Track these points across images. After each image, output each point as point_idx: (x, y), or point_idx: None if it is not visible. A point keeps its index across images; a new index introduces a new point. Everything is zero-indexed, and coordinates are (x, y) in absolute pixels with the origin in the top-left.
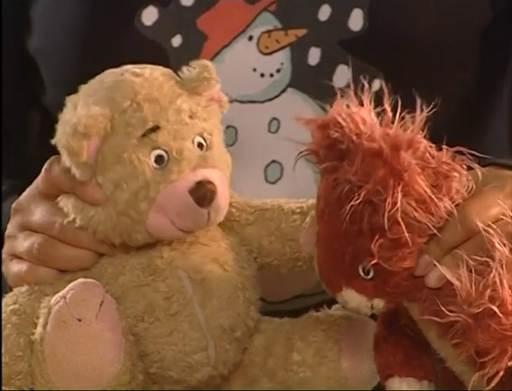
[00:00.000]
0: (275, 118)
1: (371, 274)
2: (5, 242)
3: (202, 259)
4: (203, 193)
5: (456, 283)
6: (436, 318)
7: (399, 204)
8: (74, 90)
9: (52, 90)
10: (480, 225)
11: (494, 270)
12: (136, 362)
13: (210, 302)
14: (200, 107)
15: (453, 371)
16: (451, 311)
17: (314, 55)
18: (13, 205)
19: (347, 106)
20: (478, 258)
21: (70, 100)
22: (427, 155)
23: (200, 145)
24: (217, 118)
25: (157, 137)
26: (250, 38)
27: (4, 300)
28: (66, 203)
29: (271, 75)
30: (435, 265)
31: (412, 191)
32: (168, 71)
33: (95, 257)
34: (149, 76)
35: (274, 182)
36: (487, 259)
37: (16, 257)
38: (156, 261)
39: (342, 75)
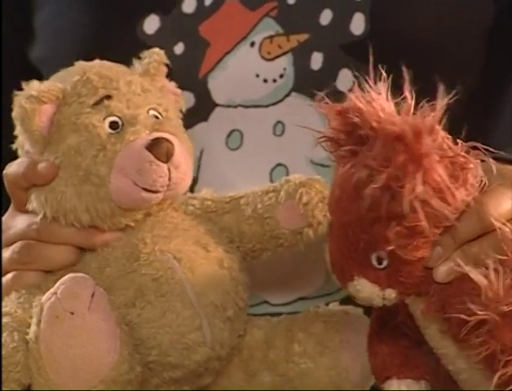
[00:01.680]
0: (279, 121)
1: (384, 263)
2: None
3: (185, 242)
4: (160, 146)
5: (483, 281)
6: (461, 315)
7: (417, 191)
8: None
9: None
10: (497, 224)
11: None
12: (133, 352)
13: (198, 280)
14: (153, 88)
15: (449, 370)
16: (468, 309)
17: (316, 60)
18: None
19: (366, 93)
20: (499, 256)
21: None
22: (445, 145)
23: (155, 117)
24: (173, 107)
25: (110, 105)
26: (252, 44)
27: None
28: (32, 202)
29: (274, 80)
30: (446, 261)
31: (430, 178)
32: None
33: (76, 252)
34: (102, 63)
35: None
36: (506, 257)
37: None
38: (139, 247)
39: (345, 79)
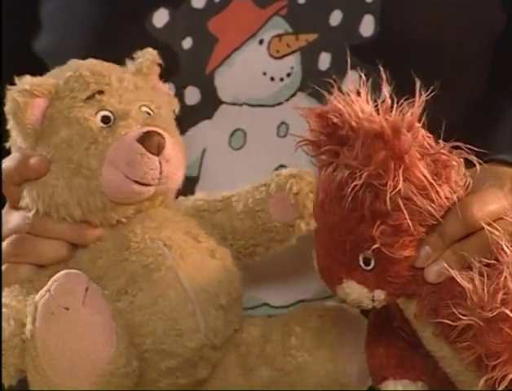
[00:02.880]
0: (283, 122)
1: (372, 264)
2: None
3: (175, 232)
4: (151, 139)
5: (467, 286)
6: (446, 320)
7: (400, 186)
8: None
9: None
10: (486, 226)
11: (505, 273)
12: (129, 346)
13: (190, 267)
14: (146, 86)
15: (447, 372)
16: (461, 314)
17: (324, 60)
18: None
19: (346, 95)
20: (485, 260)
21: None
22: (426, 143)
23: (147, 113)
24: (166, 106)
25: (102, 99)
26: (261, 42)
27: None
28: (24, 198)
29: (281, 79)
30: (437, 261)
31: (412, 176)
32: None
33: (68, 247)
34: (97, 61)
35: None
36: (494, 261)
37: None
38: (129, 237)
39: (353, 80)
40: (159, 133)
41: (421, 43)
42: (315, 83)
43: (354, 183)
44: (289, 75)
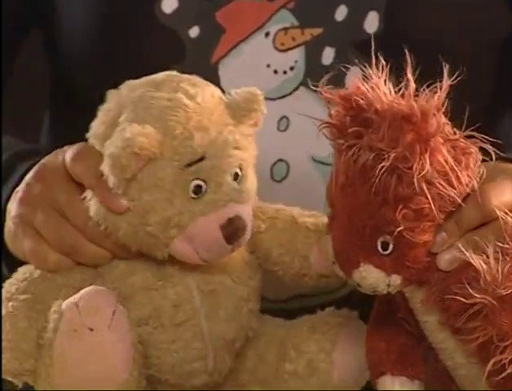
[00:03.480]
0: (284, 116)
1: (390, 248)
2: (14, 200)
3: (212, 269)
4: (233, 231)
5: (481, 266)
6: (458, 299)
7: (426, 170)
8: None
9: (72, 75)
10: (501, 214)
11: None
12: (142, 370)
13: (216, 314)
14: (243, 137)
15: (447, 364)
16: (465, 295)
17: (328, 55)
18: (35, 168)
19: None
20: (500, 244)
21: (114, 97)
22: (446, 129)
23: (236, 175)
24: (253, 143)
25: (200, 167)
26: (267, 35)
27: (13, 283)
28: (92, 201)
29: (285, 72)
30: (449, 248)
31: (435, 160)
32: (217, 92)
33: (111, 257)
34: (201, 99)
35: (280, 181)
36: (507, 246)
37: (32, 229)
38: (167, 266)
39: (355, 76)
40: (241, 219)
41: (424, 42)
42: (317, 77)
43: (381, 165)
44: (292, 68)
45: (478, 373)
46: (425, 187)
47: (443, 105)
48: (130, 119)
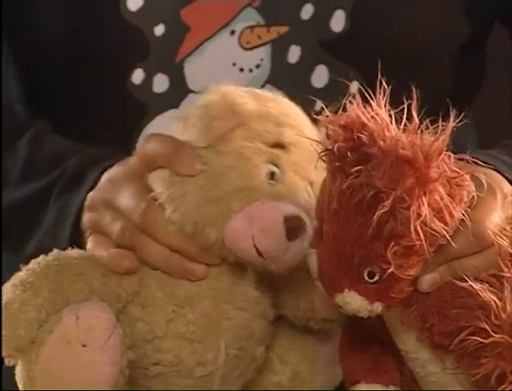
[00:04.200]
0: None
1: (376, 278)
2: (85, 210)
3: (241, 331)
4: (295, 225)
5: (495, 302)
6: (468, 337)
7: (424, 214)
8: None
9: (37, 74)
10: (500, 240)
11: None
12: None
13: (231, 375)
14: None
15: (416, 372)
16: (484, 330)
17: (294, 53)
18: (104, 178)
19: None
20: (498, 272)
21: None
22: (443, 162)
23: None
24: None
25: (282, 155)
26: (232, 33)
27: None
28: (155, 177)
29: (251, 70)
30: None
31: (432, 199)
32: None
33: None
34: (297, 117)
35: None
36: (502, 273)
37: (101, 233)
38: (204, 320)
39: (321, 75)
40: (304, 221)
41: (390, 41)
42: (283, 76)
43: (379, 208)
44: (258, 66)
45: (450, 381)
46: (418, 226)
47: (447, 147)
48: None
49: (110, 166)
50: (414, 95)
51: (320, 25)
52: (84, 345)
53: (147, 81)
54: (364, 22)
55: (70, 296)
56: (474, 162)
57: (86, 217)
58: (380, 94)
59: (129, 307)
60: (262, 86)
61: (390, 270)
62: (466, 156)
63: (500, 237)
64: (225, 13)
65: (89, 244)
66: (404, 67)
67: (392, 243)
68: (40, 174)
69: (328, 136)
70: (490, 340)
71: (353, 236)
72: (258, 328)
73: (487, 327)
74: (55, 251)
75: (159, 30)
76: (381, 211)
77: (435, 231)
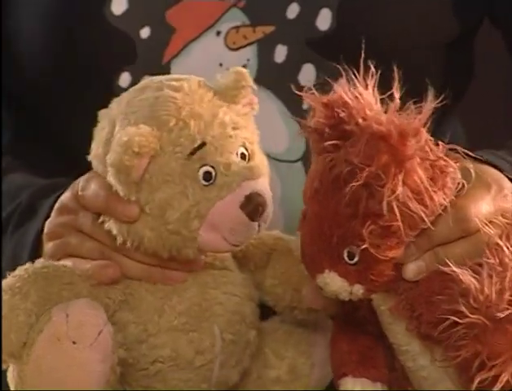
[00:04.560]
0: None
1: (355, 259)
2: (45, 240)
3: (234, 315)
4: (254, 207)
5: (474, 285)
6: (445, 316)
7: (398, 192)
8: (44, 78)
9: (21, 75)
10: (481, 225)
11: (509, 274)
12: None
13: (229, 362)
14: (240, 117)
15: (407, 366)
16: (462, 313)
17: (280, 53)
18: (56, 206)
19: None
20: (486, 260)
21: (105, 115)
22: (427, 147)
23: (243, 155)
24: (252, 122)
25: (204, 153)
26: (218, 33)
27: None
28: (111, 223)
29: None
30: (417, 260)
31: (410, 180)
32: (203, 81)
33: (146, 268)
34: (188, 89)
35: None
36: (492, 261)
37: (71, 256)
38: (195, 309)
39: (308, 74)
40: (259, 194)
41: (377, 40)
42: (270, 75)
43: (353, 183)
44: (244, 67)
45: (441, 375)
46: (395, 206)
47: (424, 126)
48: (123, 127)
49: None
50: (396, 75)
51: (306, 24)
52: (74, 342)
53: (134, 83)
54: (350, 20)
55: (58, 302)
56: (474, 158)
57: (49, 246)
58: (368, 77)
59: (117, 314)
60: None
61: (363, 247)
62: (458, 147)
63: (488, 226)
64: (210, 14)
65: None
66: (391, 65)
67: (368, 222)
68: None
69: (313, 118)
70: (466, 320)
71: (331, 214)
72: (249, 311)
73: (465, 310)
74: (42, 259)
75: (145, 33)
76: (355, 185)
77: (414, 213)
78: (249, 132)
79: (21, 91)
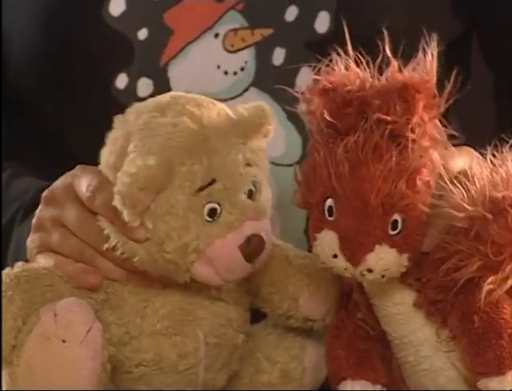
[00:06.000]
0: None
1: (399, 227)
2: (32, 230)
3: (218, 319)
4: (252, 249)
5: (477, 171)
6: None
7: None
8: (41, 79)
9: (17, 76)
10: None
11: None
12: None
13: (214, 365)
14: (255, 153)
15: (408, 361)
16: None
17: (278, 56)
18: (44, 194)
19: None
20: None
21: (121, 124)
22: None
23: (250, 191)
24: (265, 156)
25: (213, 190)
26: (216, 36)
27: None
28: (107, 226)
29: (235, 73)
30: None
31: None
32: (224, 111)
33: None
34: (207, 121)
35: None
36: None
37: (52, 251)
38: (179, 313)
39: (306, 76)
40: (259, 236)
41: (375, 42)
42: (268, 78)
43: (405, 136)
44: (242, 69)
45: (443, 365)
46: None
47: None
48: (137, 149)
49: None
50: (386, 37)
51: (305, 27)
52: (64, 341)
53: (132, 85)
54: (348, 22)
55: (43, 304)
56: None
57: (34, 238)
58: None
59: (98, 314)
60: (247, 89)
61: (414, 203)
62: (456, 134)
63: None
64: (208, 16)
65: (42, 262)
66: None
67: (417, 178)
68: (7, 212)
69: (309, 112)
70: (463, 214)
71: (376, 184)
72: (236, 316)
73: (463, 203)
74: (20, 263)
75: (142, 34)
76: (400, 142)
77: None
78: (260, 169)
79: (18, 93)
